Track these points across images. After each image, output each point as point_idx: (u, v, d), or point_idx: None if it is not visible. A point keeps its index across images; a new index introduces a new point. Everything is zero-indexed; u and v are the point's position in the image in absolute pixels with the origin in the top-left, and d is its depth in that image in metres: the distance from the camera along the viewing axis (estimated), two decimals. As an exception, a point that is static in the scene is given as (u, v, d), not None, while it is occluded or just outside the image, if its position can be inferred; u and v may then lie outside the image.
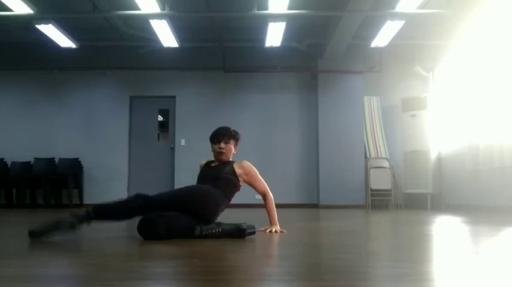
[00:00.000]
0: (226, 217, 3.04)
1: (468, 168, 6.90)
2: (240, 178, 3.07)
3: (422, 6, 6.70)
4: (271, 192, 3.20)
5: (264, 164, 8.71)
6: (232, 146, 3.19)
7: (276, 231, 3.06)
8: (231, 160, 3.20)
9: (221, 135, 3.16)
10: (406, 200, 8.61)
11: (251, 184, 3.14)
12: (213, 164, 3.17)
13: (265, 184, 3.18)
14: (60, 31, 7.38)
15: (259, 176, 3.17)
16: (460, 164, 7.26)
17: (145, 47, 8.71)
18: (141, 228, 2.55)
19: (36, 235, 2.41)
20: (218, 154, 3.13)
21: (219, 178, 2.99)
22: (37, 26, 7.07)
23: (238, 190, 3.10)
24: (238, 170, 3.08)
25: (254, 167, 3.17)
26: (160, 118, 9.71)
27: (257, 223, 2.94)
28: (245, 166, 3.14)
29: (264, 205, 3.16)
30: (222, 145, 3.13)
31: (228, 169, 3.07)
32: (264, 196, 3.17)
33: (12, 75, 9.20)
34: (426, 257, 2.03)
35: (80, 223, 2.51)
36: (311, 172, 8.80)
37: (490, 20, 6.59)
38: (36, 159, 8.76)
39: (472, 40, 7.12)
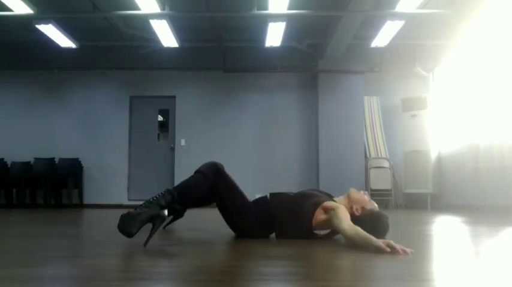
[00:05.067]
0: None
1: (468, 168, 6.90)
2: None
3: (422, 6, 6.70)
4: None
5: (263, 164, 8.76)
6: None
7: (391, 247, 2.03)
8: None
9: None
10: (406, 200, 8.61)
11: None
12: None
13: (341, 221, 2.35)
14: (60, 31, 7.38)
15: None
16: (460, 164, 7.26)
17: (145, 47, 8.71)
18: None
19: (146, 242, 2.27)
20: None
21: None
22: (37, 26, 7.08)
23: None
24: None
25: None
26: (160, 118, 9.72)
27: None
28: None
29: None
30: None
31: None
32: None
33: (12, 75, 9.21)
34: (426, 257, 2.03)
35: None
36: (311, 172, 8.81)
37: (490, 20, 6.59)
38: (36, 159, 8.77)
39: (472, 40, 7.12)
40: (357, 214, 2.53)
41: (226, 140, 8.87)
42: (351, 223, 2.32)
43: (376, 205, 2.62)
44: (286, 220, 2.61)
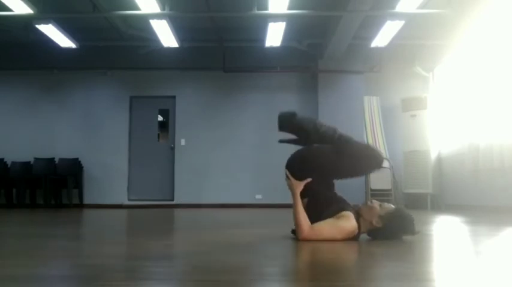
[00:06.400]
0: (231, 215, 3.03)
1: (468, 168, 6.90)
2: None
3: (422, 6, 6.70)
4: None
5: (263, 164, 8.75)
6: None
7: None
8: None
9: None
10: (406, 200, 8.61)
11: None
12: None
13: (319, 227, 2.57)
14: (60, 31, 7.38)
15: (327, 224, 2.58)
16: (460, 164, 7.26)
17: (145, 47, 8.71)
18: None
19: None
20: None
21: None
22: (37, 26, 7.08)
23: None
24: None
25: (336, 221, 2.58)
26: (160, 118, 9.72)
27: (259, 223, 2.93)
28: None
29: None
30: None
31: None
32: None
33: (12, 75, 9.21)
34: (426, 257, 2.03)
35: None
36: (311, 172, 8.79)
37: (490, 20, 6.59)
38: (36, 159, 8.76)
39: (472, 40, 7.12)
40: (379, 225, 2.55)
41: (226, 140, 8.86)
42: (316, 227, 2.54)
43: (387, 204, 2.63)
44: (315, 209, 2.66)
